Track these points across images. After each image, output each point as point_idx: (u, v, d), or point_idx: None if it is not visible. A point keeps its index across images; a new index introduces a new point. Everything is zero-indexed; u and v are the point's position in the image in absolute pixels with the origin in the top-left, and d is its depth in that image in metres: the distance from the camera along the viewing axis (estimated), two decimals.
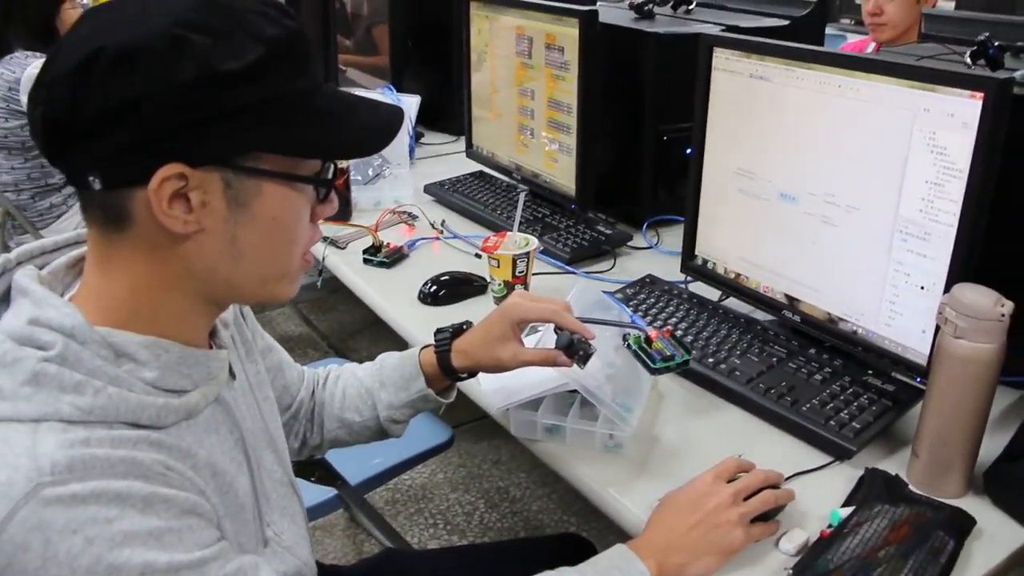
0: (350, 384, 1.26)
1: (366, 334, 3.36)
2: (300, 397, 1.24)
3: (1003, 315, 1.01)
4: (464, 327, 1.23)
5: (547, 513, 2.49)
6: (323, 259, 1.88)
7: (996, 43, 1.36)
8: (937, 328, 1.08)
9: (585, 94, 1.80)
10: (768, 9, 2.23)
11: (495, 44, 2.07)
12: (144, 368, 0.78)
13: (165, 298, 0.81)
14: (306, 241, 0.87)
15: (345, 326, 3.45)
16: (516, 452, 2.72)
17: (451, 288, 1.66)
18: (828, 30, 4.70)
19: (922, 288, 1.19)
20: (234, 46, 0.74)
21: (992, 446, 1.13)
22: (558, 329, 1.15)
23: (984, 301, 1.02)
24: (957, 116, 1.10)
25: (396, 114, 0.88)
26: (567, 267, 1.76)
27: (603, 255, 1.83)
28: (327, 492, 1.65)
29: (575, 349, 1.12)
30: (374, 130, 0.86)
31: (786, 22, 2.08)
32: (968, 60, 1.39)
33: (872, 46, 2.89)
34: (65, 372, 0.73)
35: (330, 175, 0.86)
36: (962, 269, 1.13)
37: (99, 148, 0.73)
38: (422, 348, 1.24)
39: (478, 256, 1.82)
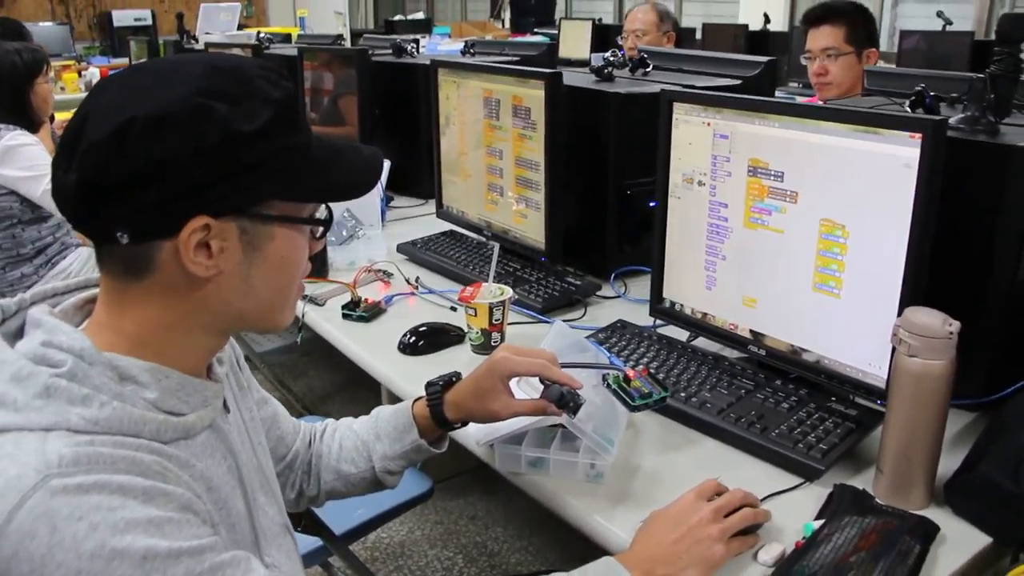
0: (346, 437, 1.31)
1: (337, 398, 3.39)
2: (296, 448, 1.29)
3: (951, 333, 1.10)
4: (454, 379, 1.29)
5: (525, 565, 2.51)
6: (303, 316, 1.93)
7: (932, 93, 1.48)
8: (893, 350, 1.17)
9: (551, 152, 1.90)
10: (721, 71, 2.36)
11: (463, 108, 2.17)
12: (146, 389, 0.85)
13: (174, 334, 0.89)
14: (304, 272, 0.97)
15: (316, 390, 3.48)
16: (492, 507, 2.75)
17: (430, 338, 1.72)
18: (778, 93, 4.93)
19: (876, 317, 1.27)
20: (248, 110, 0.83)
21: (952, 463, 1.20)
22: (545, 381, 1.22)
23: (934, 321, 1.11)
24: (899, 156, 1.20)
25: (376, 155, 0.99)
26: (540, 316, 1.84)
27: (574, 304, 1.90)
28: (313, 542, 1.68)
29: (565, 401, 1.19)
30: (362, 171, 0.97)
31: (739, 82, 2.21)
32: (908, 109, 1.50)
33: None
34: (74, 387, 0.80)
35: (325, 215, 0.96)
36: (912, 295, 1.22)
37: (131, 206, 0.81)
38: (415, 400, 1.30)
39: (453, 309, 1.89)
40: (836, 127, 1.28)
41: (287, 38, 5.37)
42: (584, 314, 1.87)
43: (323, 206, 0.97)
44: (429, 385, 1.29)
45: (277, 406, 1.28)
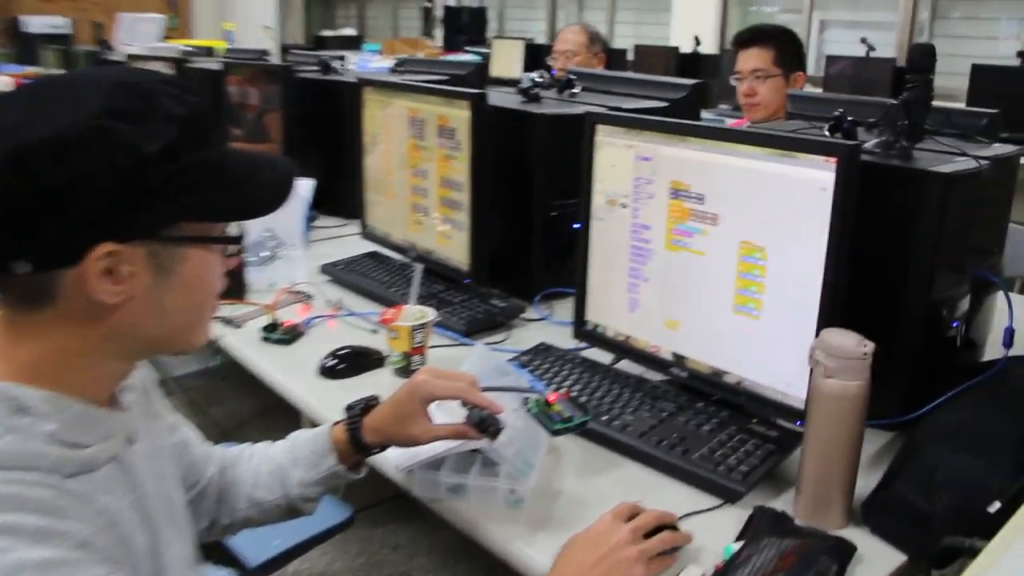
0: (262, 463, 1.29)
1: (256, 423, 3.35)
2: (208, 476, 1.26)
3: (866, 353, 1.13)
4: (372, 403, 1.28)
5: None
6: (219, 339, 1.90)
7: (849, 118, 1.53)
8: (811, 371, 1.20)
9: (476, 172, 1.91)
10: (649, 92, 2.40)
11: (389, 127, 2.17)
12: (44, 421, 0.82)
13: (78, 362, 0.86)
14: (218, 290, 0.95)
15: (234, 415, 3.44)
16: (415, 536, 2.73)
17: (351, 361, 1.71)
18: (707, 115, 5.04)
19: (795, 338, 1.30)
20: (152, 129, 0.81)
21: (870, 483, 1.23)
22: (466, 405, 1.22)
23: (849, 342, 1.15)
24: (816, 180, 1.24)
25: (290, 169, 0.97)
26: (464, 339, 1.84)
27: (498, 327, 1.91)
28: None
29: (485, 425, 1.20)
30: (278, 185, 0.95)
31: (665, 103, 2.25)
32: (827, 133, 1.55)
33: (747, 125, 3.14)
34: None
35: (237, 232, 0.95)
36: (828, 317, 1.25)
37: (30, 236, 0.78)
38: (333, 424, 1.28)
39: (375, 332, 1.88)
40: (754, 150, 1.32)
41: (209, 52, 5.29)
42: (508, 336, 1.88)
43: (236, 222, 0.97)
44: (348, 408, 1.28)
45: (189, 432, 1.25)
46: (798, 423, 1.32)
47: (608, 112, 1.58)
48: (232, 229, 0.96)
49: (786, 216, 1.29)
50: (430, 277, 2.07)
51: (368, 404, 1.28)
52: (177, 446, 1.19)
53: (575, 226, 1.66)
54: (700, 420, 1.40)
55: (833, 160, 1.22)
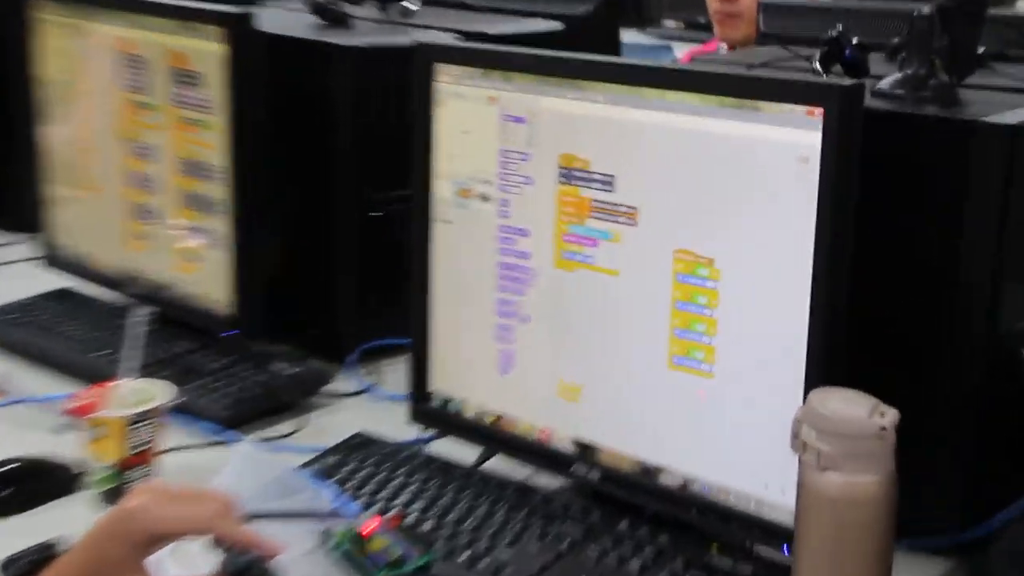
0: None
1: None
2: None
3: (884, 428, 1.15)
4: (50, 552, 1.27)
5: None
6: None
7: (855, 40, 1.56)
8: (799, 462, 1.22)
9: (240, 148, 1.90)
10: (531, 7, 2.44)
11: (87, 73, 2.15)
12: None
13: None
14: None
15: None
16: None
17: (19, 484, 1.67)
18: (640, 38, 5.10)
19: (772, 406, 1.32)
20: None
21: None
22: (221, 545, 1.21)
23: (855, 411, 1.15)
24: (791, 145, 1.26)
25: None
26: (225, 432, 1.82)
27: (284, 409, 1.90)
28: None
29: None
30: None
31: (559, 26, 2.29)
32: (817, 66, 1.59)
33: (723, 49, 3.23)
34: None
35: None
36: (822, 369, 1.27)
37: None
38: None
39: (63, 430, 1.83)
40: (693, 100, 1.34)
41: None
42: (302, 425, 1.88)
43: None
44: (6, 565, 1.25)
45: None
46: (784, 548, 1.35)
47: (454, 43, 1.59)
48: None
49: (747, 207, 1.31)
50: (166, 329, 2.05)
51: (44, 554, 1.25)
52: None
53: None
54: (624, 552, 1.40)
55: (819, 111, 1.25)
